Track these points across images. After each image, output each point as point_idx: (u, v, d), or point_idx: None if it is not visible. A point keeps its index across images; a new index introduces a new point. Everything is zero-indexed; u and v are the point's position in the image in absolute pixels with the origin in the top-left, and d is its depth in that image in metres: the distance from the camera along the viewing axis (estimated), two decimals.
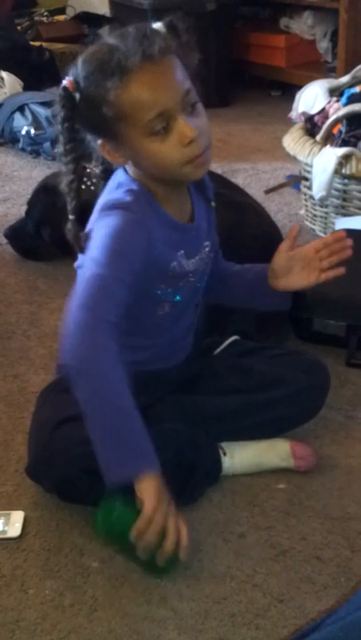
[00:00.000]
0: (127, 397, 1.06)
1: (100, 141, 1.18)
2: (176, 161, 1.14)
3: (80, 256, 1.22)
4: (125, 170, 1.22)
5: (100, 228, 1.16)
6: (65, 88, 1.15)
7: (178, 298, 1.28)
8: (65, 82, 1.15)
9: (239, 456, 1.32)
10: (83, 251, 1.19)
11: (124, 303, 1.12)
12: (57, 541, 1.21)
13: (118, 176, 1.23)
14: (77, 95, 1.15)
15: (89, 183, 1.93)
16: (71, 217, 1.22)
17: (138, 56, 1.09)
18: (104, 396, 1.06)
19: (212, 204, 1.32)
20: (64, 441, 1.21)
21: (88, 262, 1.14)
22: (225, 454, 1.31)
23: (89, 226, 1.22)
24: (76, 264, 1.26)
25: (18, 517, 1.25)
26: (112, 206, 1.17)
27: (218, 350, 1.45)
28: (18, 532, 1.22)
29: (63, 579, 1.15)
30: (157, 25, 1.16)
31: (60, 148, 1.20)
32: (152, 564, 1.09)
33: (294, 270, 1.31)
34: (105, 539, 1.15)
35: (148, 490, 1.05)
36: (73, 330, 1.08)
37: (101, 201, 1.22)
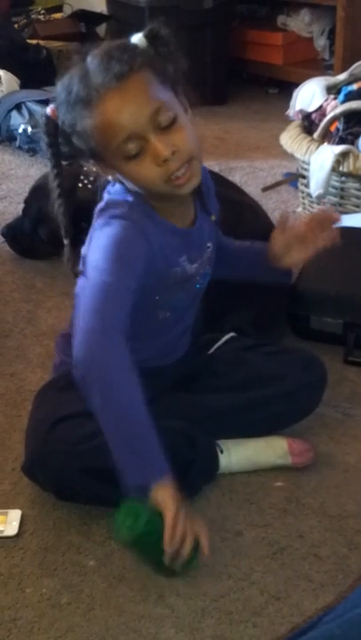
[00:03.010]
0: (141, 405, 1.08)
1: (90, 162, 1.19)
2: (154, 181, 1.13)
3: (79, 281, 1.21)
4: (122, 181, 1.21)
5: (99, 238, 1.17)
6: (48, 116, 1.17)
7: (178, 302, 1.29)
8: (48, 109, 1.17)
9: (236, 454, 1.32)
10: (77, 275, 1.19)
11: (130, 310, 1.14)
12: (54, 540, 1.21)
13: (114, 188, 1.23)
14: (59, 122, 1.16)
15: (85, 182, 1.94)
16: (66, 241, 1.22)
17: (99, 83, 1.09)
18: (118, 404, 1.08)
19: (212, 217, 1.31)
20: (61, 439, 1.21)
21: (91, 272, 1.15)
22: (222, 452, 1.31)
23: (87, 241, 1.21)
24: (76, 289, 1.22)
25: (15, 516, 1.24)
26: (109, 218, 1.18)
27: (214, 347, 1.45)
28: (15, 531, 1.22)
29: (60, 577, 1.15)
30: (136, 37, 1.15)
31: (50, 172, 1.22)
32: (169, 567, 1.08)
33: (293, 248, 1.36)
34: (128, 544, 1.11)
35: (165, 498, 1.05)
36: (84, 339, 1.10)
37: (98, 216, 1.21)
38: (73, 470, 1.20)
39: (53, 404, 1.29)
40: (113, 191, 1.23)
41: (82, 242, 1.23)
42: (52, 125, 1.17)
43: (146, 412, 1.08)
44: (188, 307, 1.34)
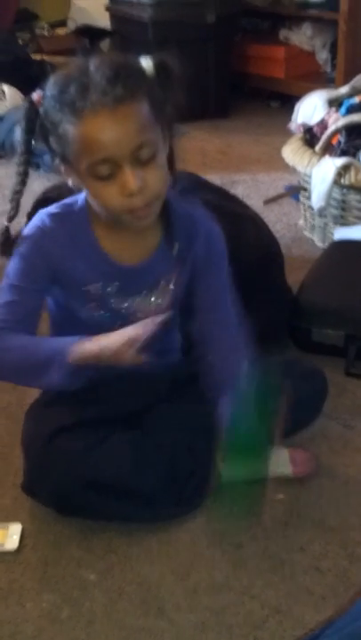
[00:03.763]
0: (26, 339, 1.20)
1: (56, 159, 1.18)
2: (114, 208, 1.13)
3: None
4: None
5: (23, 239, 1.23)
6: (32, 101, 1.15)
7: (105, 320, 1.28)
8: (34, 94, 1.15)
9: (237, 464, 1.31)
10: (5, 254, 1.24)
11: (32, 307, 1.23)
12: (54, 554, 1.21)
13: (74, 198, 1.25)
14: (41, 111, 1.14)
15: None
16: (6, 223, 1.23)
17: (93, 99, 1.07)
18: (14, 359, 1.19)
19: (174, 249, 1.26)
20: (59, 454, 1.21)
21: (7, 270, 1.24)
22: (223, 462, 1.30)
23: None
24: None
25: (15, 530, 1.24)
26: (40, 215, 1.24)
27: None
28: (15, 545, 1.22)
29: (60, 592, 1.15)
30: (145, 61, 1.13)
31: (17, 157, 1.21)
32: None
33: None
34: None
35: (86, 348, 1.14)
36: None
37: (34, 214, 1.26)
38: (73, 485, 1.20)
39: (41, 420, 1.30)
40: (70, 200, 1.24)
41: None
42: (33, 112, 1.15)
43: (34, 339, 1.21)
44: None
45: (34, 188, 1.28)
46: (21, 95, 3.26)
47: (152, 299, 1.28)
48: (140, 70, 1.13)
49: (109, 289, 1.25)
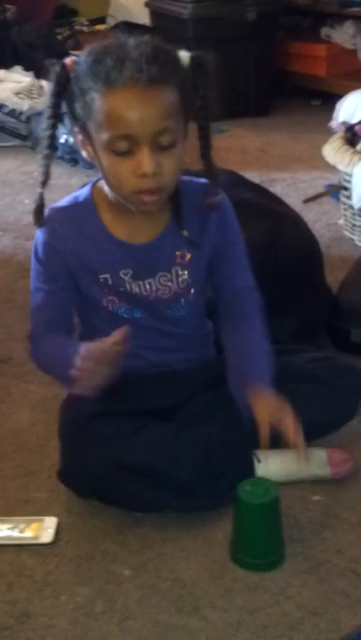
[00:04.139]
0: (52, 346, 1.25)
1: (76, 128, 1.18)
2: (124, 185, 1.15)
3: None
4: (96, 180, 1.25)
5: (35, 239, 1.28)
6: (64, 65, 1.15)
7: (121, 312, 1.28)
8: (68, 59, 1.15)
9: (274, 464, 1.30)
10: (36, 224, 1.26)
11: (64, 304, 1.28)
12: (89, 548, 1.21)
13: (87, 185, 1.28)
14: (72, 76, 1.14)
15: None
16: (39, 190, 1.24)
17: (128, 74, 1.08)
18: (48, 362, 1.28)
19: (185, 232, 1.27)
20: (93, 437, 1.23)
21: (31, 274, 1.29)
22: (259, 461, 1.29)
23: None
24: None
25: (50, 523, 1.25)
26: (47, 212, 1.25)
27: None
28: (50, 538, 1.22)
29: (95, 586, 1.14)
30: (183, 54, 1.15)
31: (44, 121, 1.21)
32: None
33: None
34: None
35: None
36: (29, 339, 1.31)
37: None
38: (107, 467, 1.20)
39: (76, 409, 1.31)
40: (77, 192, 1.28)
41: None
42: (64, 76, 1.15)
43: (61, 341, 1.25)
44: (150, 326, 1.30)
45: (72, 184, 1.30)
46: None
47: (168, 279, 1.28)
48: (177, 59, 1.15)
49: (124, 274, 1.26)
